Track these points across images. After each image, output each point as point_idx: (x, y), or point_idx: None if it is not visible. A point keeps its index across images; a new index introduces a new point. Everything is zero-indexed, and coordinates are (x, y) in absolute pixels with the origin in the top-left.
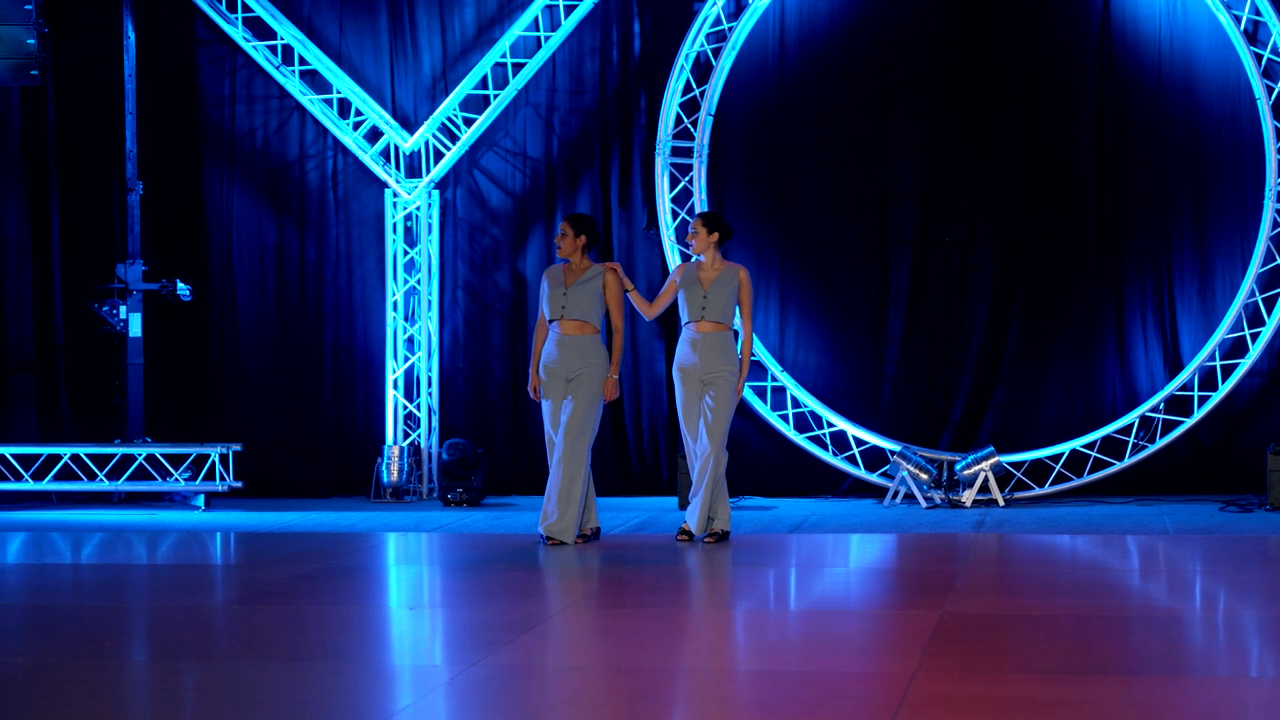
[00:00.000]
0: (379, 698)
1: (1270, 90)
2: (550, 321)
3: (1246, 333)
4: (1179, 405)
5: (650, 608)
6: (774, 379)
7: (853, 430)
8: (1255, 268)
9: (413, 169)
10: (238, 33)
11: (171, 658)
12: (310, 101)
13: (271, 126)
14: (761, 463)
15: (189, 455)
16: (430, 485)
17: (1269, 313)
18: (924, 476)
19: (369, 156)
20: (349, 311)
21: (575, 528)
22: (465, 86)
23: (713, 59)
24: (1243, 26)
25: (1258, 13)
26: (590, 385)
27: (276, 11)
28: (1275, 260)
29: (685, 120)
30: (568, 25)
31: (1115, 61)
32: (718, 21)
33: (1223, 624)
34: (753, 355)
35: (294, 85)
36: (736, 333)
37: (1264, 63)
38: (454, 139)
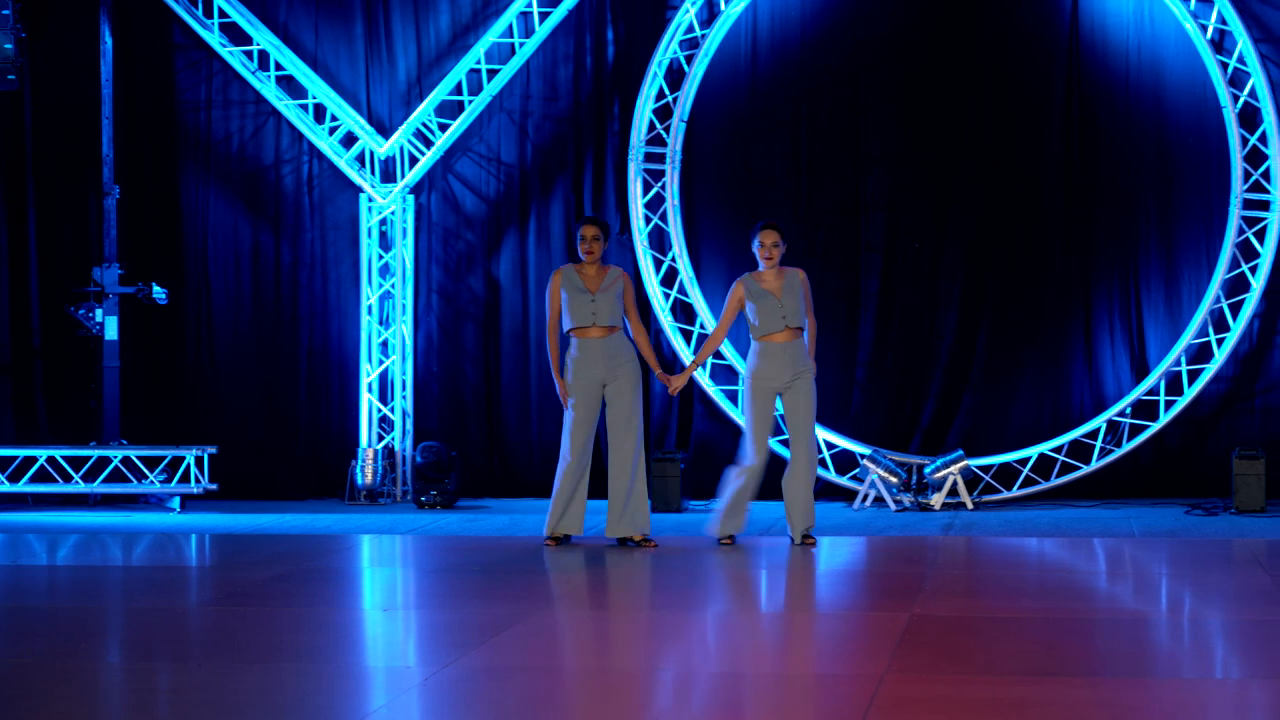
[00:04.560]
0: (353, 699)
1: (1236, 98)
2: (573, 329)
3: (1212, 338)
4: (1146, 410)
5: (622, 610)
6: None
7: (823, 434)
8: (1221, 274)
9: (387, 174)
10: (214, 38)
11: (146, 659)
12: (286, 107)
13: (247, 131)
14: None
15: (164, 457)
16: (404, 488)
17: (1234, 318)
18: (893, 480)
19: (344, 161)
20: (324, 315)
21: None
22: (440, 92)
23: (685, 66)
24: (1209, 35)
25: (1224, 22)
26: (632, 381)
27: (253, 17)
28: (1240, 266)
29: (658, 126)
30: (542, 32)
31: (1083, 70)
32: (690, 29)
33: (1188, 626)
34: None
35: (270, 90)
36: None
37: (1230, 71)
38: (429, 144)
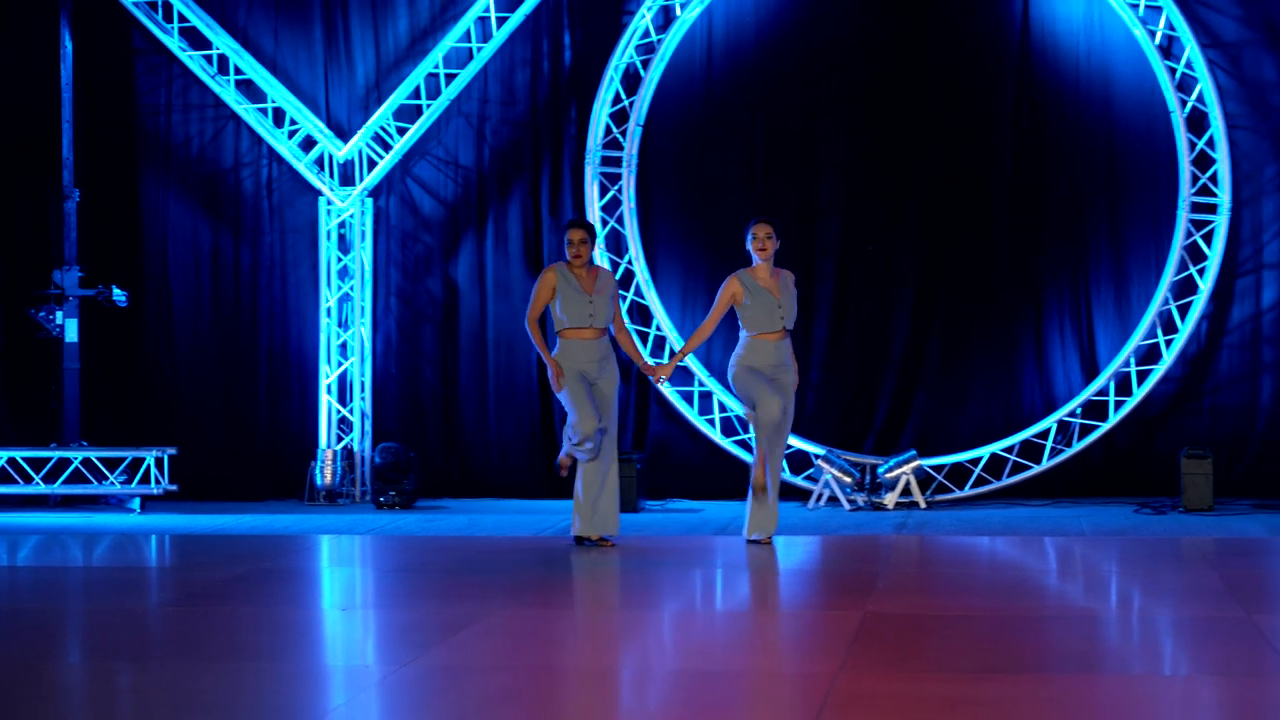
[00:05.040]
0: (312, 697)
1: (1184, 104)
2: (567, 329)
3: (1161, 339)
4: (1095, 410)
5: (579, 609)
6: (701, 384)
7: None
8: (1169, 276)
9: (346, 177)
10: (174, 42)
11: (107, 659)
12: (245, 110)
13: (207, 135)
14: (689, 466)
15: (125, 459)
16: (363, 488)
17: (1183, 320)
18: (847, 479)
19: (303, 165)
20: (283, 317)
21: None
22: (398, 96)
23: (642, 70)
24: (1157, 42)
25: (1172, 28)
26: (614, 383)
27: (212, 22)
28: (1189, 269)
29: (614, 130)
30: (499, 37)
31: (1034, 76)
32: (646, 34)
33: (1137, 623)
34: (681, 362)
35: (229, 94)
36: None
37: (1178, 77)
38: (387, 148)
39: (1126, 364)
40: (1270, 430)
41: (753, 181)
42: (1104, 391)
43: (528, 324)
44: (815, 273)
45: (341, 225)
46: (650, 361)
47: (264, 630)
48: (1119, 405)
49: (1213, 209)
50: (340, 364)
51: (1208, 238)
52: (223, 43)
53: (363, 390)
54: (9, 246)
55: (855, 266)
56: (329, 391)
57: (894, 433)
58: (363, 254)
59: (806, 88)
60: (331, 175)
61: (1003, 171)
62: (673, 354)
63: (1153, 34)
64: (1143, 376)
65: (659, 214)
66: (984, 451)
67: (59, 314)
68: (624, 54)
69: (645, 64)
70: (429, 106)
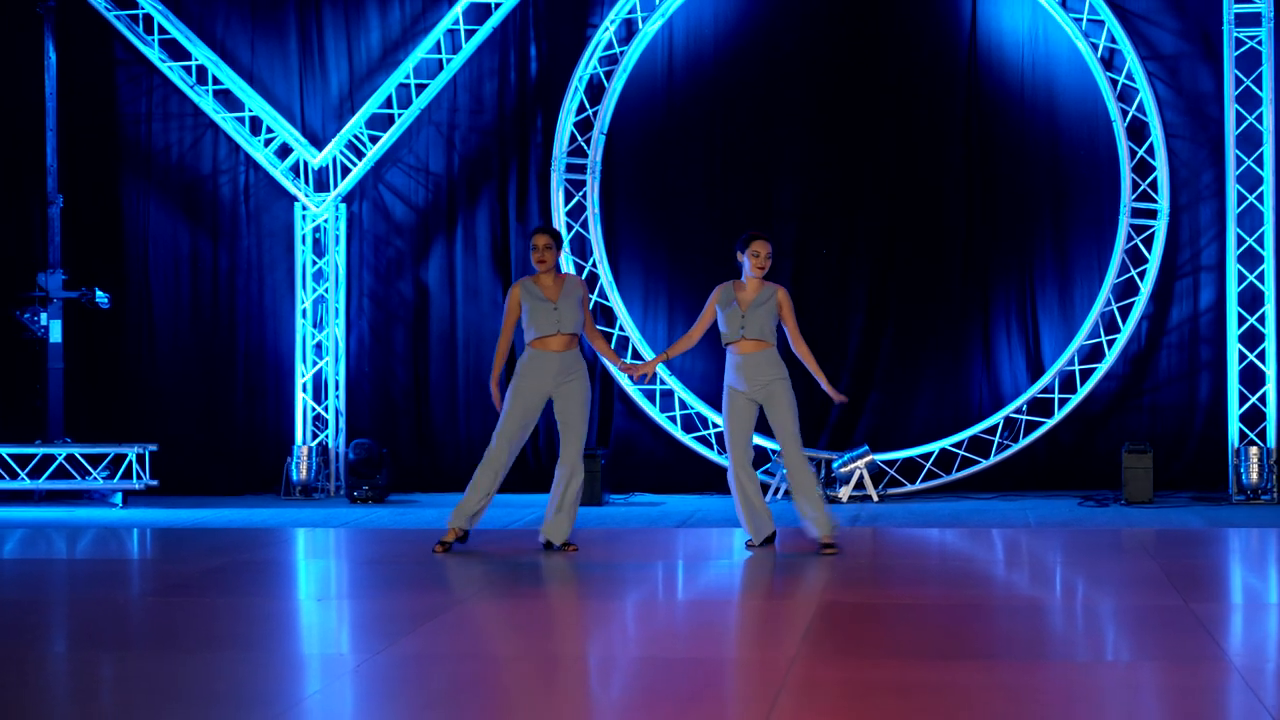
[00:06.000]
0: (288, 685)
1: (1125, 113)
2: (535, 339)
3: (1103, 339)
4: (1041, 407)
5: (545, 599)
6: (663, 382)
7: None
8: (1111, 278)
9: (321, 184)
10: (154, 54)
11: (90, 649)
12: (223, 119)
13: (186, 143)
14: (650, 461)
15: (107, 455)
16: (337, 483)
17: (1124, 320)
18: None
19: (279, 172)
20: (260, 319)
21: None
22: (371, 106)
23: (605, 81)
24: (1099, 54)
25: (1113, 41)
26: (583, 394)
27: (191, 33)
28: (1130, 272)
29: (579, 139)
30: (468, 48)
31: (981, 87)
32: (610, 45)
33: (1081, 612)
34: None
35: (208, 104)
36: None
37: (1119, 88)
38: (360, 155)
39: (1070, 363)
40: (1208, 427)
41: (712, 186)
42: (1049, 389)
43: (498, 343)
44: (772, 275)
45: (316, 230)
46: (627, 362)
47: (241, 620)
48: (1063, 403)
49: (1152, 214)
50: (315, 363)
51: (1148, 242)
52: (201, 54)
53: (337, 389)
54: None
55: (811, 269)
56: (304, 390)
57: (848, 429)
58: (337, 257)
59: (763, 96)
60: (306, 181)
61: (953, 177)
62: (635, 354)
63: (1095, 46)
64: (1086, 375)
65: (622, 219)
66: (934, 447)
67: (43, 316)
68: (588, 65)
69: (608, 74)
70: (400, 115)
